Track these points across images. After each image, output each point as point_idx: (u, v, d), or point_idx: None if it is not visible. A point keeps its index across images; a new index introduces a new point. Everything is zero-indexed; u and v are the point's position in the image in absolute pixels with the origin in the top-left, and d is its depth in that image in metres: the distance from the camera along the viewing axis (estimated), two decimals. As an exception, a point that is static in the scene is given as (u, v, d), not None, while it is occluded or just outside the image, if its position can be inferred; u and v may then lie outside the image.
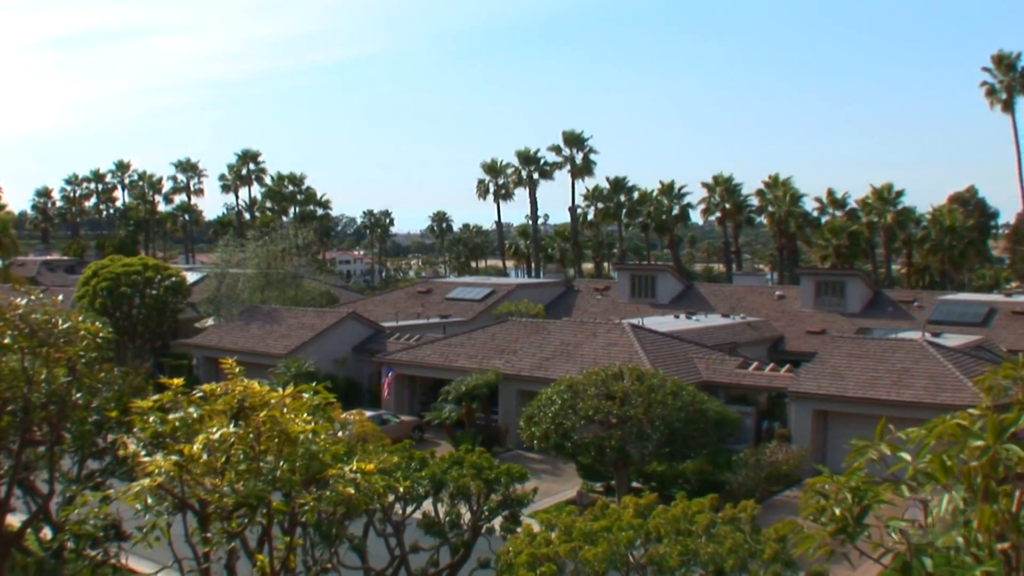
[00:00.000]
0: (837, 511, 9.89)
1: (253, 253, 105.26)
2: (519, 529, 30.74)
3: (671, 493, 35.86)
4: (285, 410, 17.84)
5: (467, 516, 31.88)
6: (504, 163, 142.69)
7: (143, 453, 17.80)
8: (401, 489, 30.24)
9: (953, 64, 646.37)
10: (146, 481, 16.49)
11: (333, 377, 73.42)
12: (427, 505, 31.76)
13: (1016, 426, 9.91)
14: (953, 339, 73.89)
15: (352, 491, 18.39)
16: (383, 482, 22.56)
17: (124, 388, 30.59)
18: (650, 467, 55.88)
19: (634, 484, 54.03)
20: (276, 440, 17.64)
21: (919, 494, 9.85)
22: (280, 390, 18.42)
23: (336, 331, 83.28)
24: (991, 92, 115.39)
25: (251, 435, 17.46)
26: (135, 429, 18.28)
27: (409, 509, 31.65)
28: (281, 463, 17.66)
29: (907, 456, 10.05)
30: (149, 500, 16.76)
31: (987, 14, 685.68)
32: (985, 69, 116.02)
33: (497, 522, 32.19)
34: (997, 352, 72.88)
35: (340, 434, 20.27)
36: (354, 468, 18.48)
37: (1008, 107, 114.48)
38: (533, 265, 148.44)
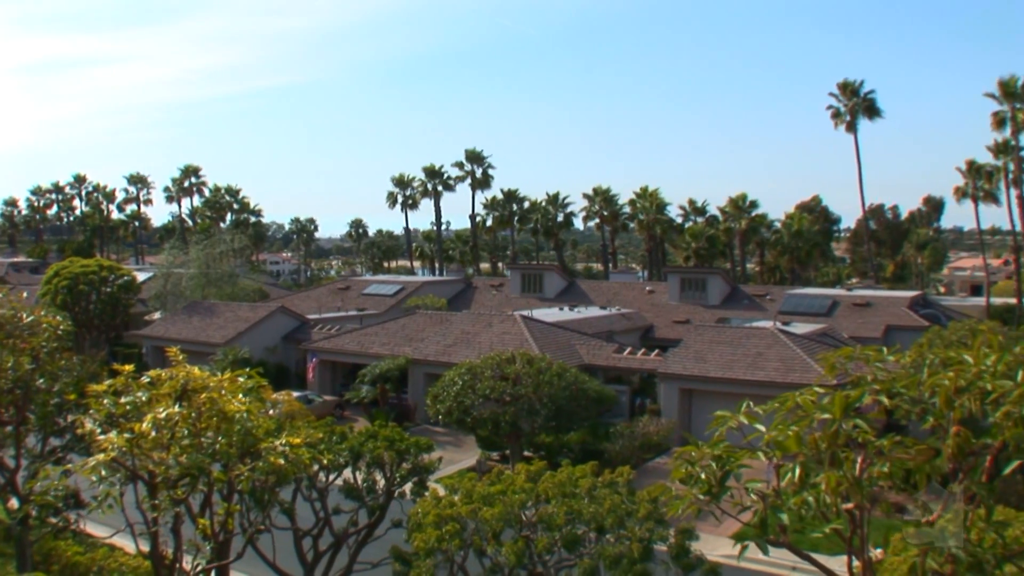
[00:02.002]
0: (703, 475, 10.00)
1: (195, 255, 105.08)
2: (427, 493, 30.70)
3: (558, 461, 35.84)
4: (223, 392, 17.79)
5: (381, 482, 31.77)
6: (412, 177, 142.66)
7: (99, 431, 17.66)
8: (324, 460, 30.16)
9: (803, 89, 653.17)
10: (101, 456, 16.39)
11: (265, 363, 73.27)
12: (347, 473, 31.61)
13: (860, 403, 10.09)
14: (801, 327, 74.64)
15: (282, 462, 18.39)
16: (309, 454, 22.47)
17: (82, 374, 30.24)
18: (539, 438, 56.03)
19: (526, 453, 54.09)
20: (215, 418, 17.59)
21: (773, 460, 9.98)
22: (219, 375, 18.38)
23: (267, 323, 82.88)
24: (836, 115, 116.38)
25: (193, 414, 17.40)
26: (91, 410, 18.11)
27: (331, 477, 31.48)
28: (220, 438, 17.62)
29: (762, 427, 10.17)
30: (104, 472, 16.66)
31: (834, 46, 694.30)
32: (832, 94, 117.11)
33: (408, 487, 32.09)
34: (839, 338, 73.85)
35: (271, 412, 20.22)
36: (283, 442, 18.47)
37: (851, 128, 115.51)
38: (437, 265, 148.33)
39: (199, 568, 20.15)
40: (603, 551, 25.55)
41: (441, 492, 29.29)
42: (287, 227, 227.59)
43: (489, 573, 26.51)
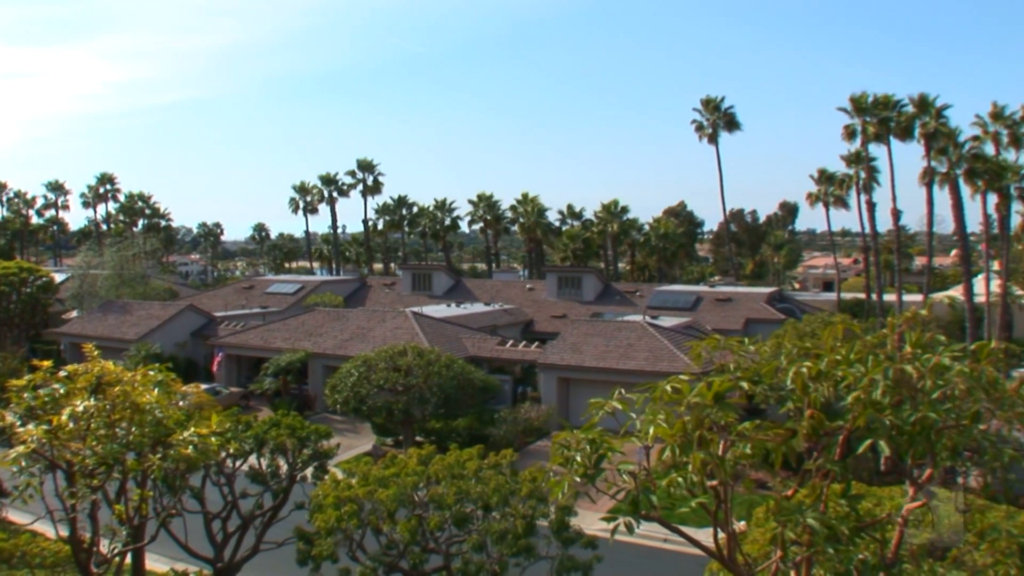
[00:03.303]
0: (579, 459, 10.05)
1: (109, 258, 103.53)
2: (326, 477, 30.59)
3: (447, 445, 35.87)
4: (136, 385, 17.60)
5: (285, 467, 31.61)
6: (311, 184, 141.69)
7: (19, 424, 17.34)
8: (231, 448, 29.94)
9: (671, 104, 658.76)
10: (21, 448, 16.10)
11: (175, 358, 72.91)
12: (252, 459, 31.40)
13: (727, 390, 10.22)
14: (668, 321, 75.16)
15: (191, 451, 18.23)
16: (217, 442, 22.25)
17: (2, 369, 29.81)
18: (430, 424, 56.06)
19: (417, 438, 54.02)
20: (128, 410, 17.37)
21: (644, 443, 10.05)
22: (132, 370, 18.18)
23: (177, 320, 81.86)
24: (700, 128, 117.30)
25: (108, 407, 17.16)
26: (12, 404, 17.78)
27: (238, 463, 31.26)
28: (133, 429, 17.40)
29: (633, 414, 10.25)
30: (24, 463, 16.37)
31: (697, 65, 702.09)
32: (696, 110, 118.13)
33: (309, 471, 31.98)
34: (703, 331, 74.53)
35: (181, 404, 19.99)
36: (192, 432, 18.30)
37: (713, 140, 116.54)
38: (335, 266, 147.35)
39: (116, 551, 19.84)
40: (490, 527, 25.67)
41: (340, 476, 29.32)
42: (195, 231, 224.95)
43: (385, 550, 26.53)
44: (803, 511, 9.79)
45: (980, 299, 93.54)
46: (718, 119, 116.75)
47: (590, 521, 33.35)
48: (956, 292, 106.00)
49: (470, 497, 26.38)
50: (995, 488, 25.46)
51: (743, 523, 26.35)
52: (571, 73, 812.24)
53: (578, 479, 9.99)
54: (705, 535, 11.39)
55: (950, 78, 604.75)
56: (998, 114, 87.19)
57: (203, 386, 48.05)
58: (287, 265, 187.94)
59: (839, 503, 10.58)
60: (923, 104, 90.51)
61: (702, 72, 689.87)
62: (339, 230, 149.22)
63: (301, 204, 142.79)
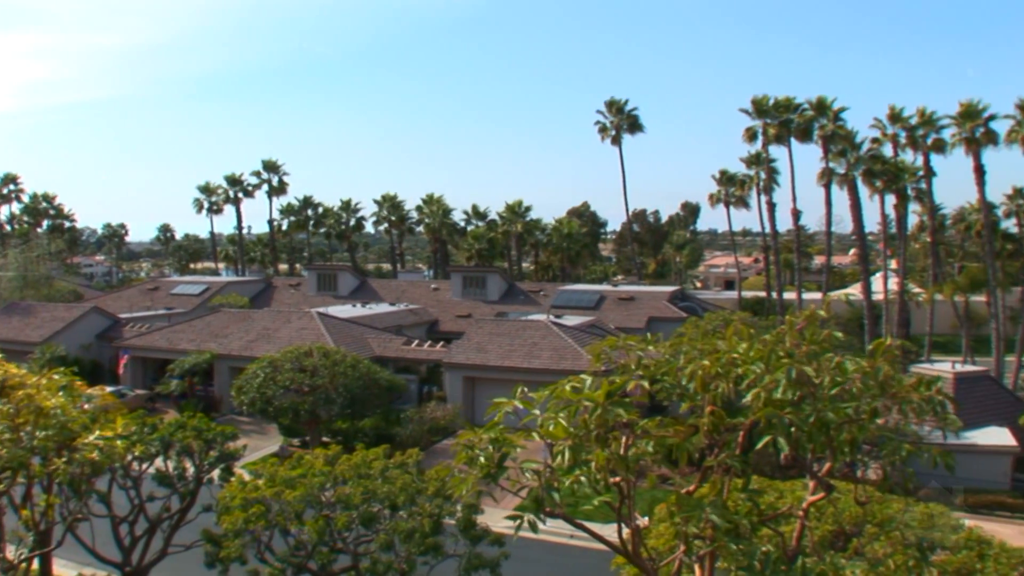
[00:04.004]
0: (482, 458, 10.12)
1: (13, 259, 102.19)
2: (233, 478, 30.37)
3: (353, 445, 35.81)
4: (40, 389, 17.41)
5: (191, 469, 31.32)
6: (216, 185, 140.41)
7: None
8: (137, 451, 29.61)
9: (576, 105, 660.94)
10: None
11: (80, 360, 71.93)
12: (159, 462, 31.09)
13: (625, 389, 10.35)
14: (572, 320, 75.61)
15: (97, 454, 18.06)
16: (123, 445, 22.04)
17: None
18: (336, 424, 55.95)
19: (324, 439, 53.81)
20: (33, 414, 17.18)
21: (547, 440, 10.14)
22: (37, 373, 17.97)
23: (82, 322, 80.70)
24: (603, 129, 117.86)
25: (12, 410, 16.97)
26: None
27: (144, 466, 30.91)
28: (38, 433, 17.21)
29: (537, 412, 10.35)
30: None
31: (601, 67, 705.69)
32: (599, 111, 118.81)
33: (216, 473, 31.73)
34: (606, 329, 75.10)
35: (86, 406, 19.81)
36: (98, 435, 18.14)
37: (616, 142, 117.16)
38: (240, 266, 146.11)
39: (23, 557, 19.61)
40: (397, 526, 25.67)
41: (247, 477, 29.05)
42: (100, 232, 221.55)
43: (293, 550, 26.41)
44: (705, 506, 9.95)
45: (878, 297, 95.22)
46: (622, 121, 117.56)
47: (497, 519, 33.40)
48: (855, 290, 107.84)
49: (377, 497, 26.36)
50: (893, 481, 25.95)
51: (647, 518, 26.61)
52: (477, 74, 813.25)
53: (482, 477, 10.06)
54: (610, 531, 11.54)
55: (853, 82, 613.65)
56: (896, 116, 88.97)
57: (108, 388, 47.42)
58: (192, 266, 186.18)
59: (740, 497, 10.77)
60: (821, 107, 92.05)
61: (606, 74, 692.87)
62: (244, 231, 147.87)
63: (206, 204, 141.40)
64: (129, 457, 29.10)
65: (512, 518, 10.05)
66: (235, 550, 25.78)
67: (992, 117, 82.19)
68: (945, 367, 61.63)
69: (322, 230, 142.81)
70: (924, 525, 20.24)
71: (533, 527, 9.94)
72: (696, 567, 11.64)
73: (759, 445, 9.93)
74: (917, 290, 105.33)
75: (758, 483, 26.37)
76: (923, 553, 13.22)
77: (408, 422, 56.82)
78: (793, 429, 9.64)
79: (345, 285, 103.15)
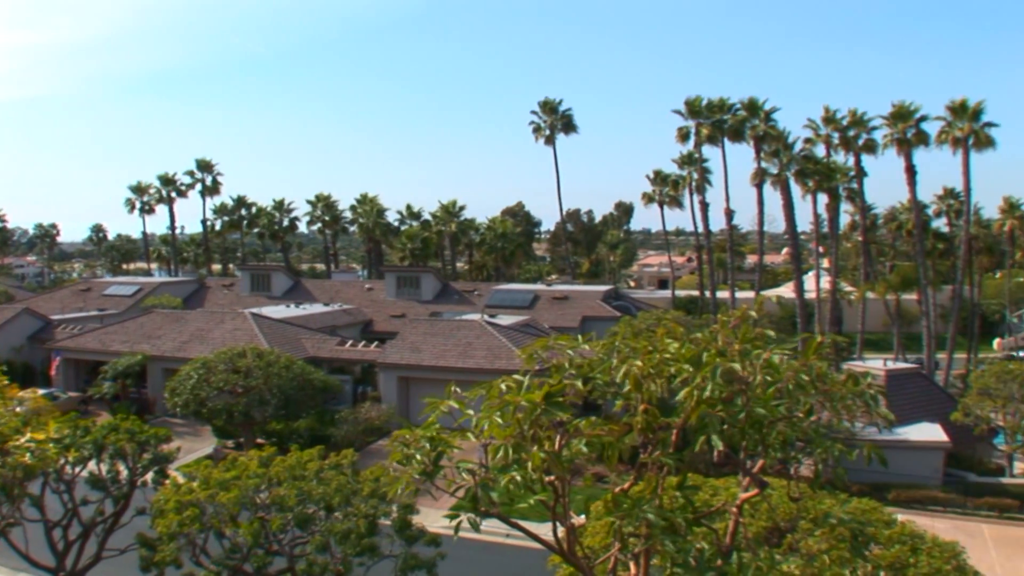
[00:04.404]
0: (418, 457, 10.16)
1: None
2: (167, 481, 30.20)
3: (288, 446, 35.69)
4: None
5: (125, 472, 31.09)
6: (148, 184, 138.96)
7: None
8: (70, 454, 29.36)
9: (510, 105, 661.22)
10: None
11: (11, 363, 71.27)
12: (92, 465, 30.82)
13: (562, 391, 10.43)
14: (506, 319, 75.76)
15: (29, 458, 17.94)
16: (55, 448, 21.88)
17: None
18: (271, 426, 55.75)
19: (259, 440, 53.62)
20: (-36, 419, 17.01)
21: (482, 440, 10.19)
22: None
23: (13, 324, 79.88)
24: (538, 129, 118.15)
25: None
26: None
27: (77, 469, 30.63)
28: (-31, 437, 17.04)
29: (471, 411, 10.40)
30: None
31: (536, 67, 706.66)
32: (534, 112, 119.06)
33: (149, 476, 31.53)
34: (540, 328, 75.33)
35: (17, 410, 19.66)
36: (30, 438, 18.02)
37: (551, 142, 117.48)
38: (173, 267, 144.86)
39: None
40: (332, 528, 25.65)
41: (181, 480, 28.87)
42: (31, 232, 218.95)
43: (229, 553, 26.31)
44: (640, 504, 10.04)
45: (811, 295, 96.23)
46: (556, 121, 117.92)
47: (433, 519, 33.53)
48: (787, 289, 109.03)
49: (312, 498, 26.32)
50: (826, 477, 26.30)
51: (583, 517, 26.77)
52: (411, 74, 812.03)
53: (417, 477, 10.10)
54: (546, 529, 11.61)
55: (791, 84, 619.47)
56: (830, 118, 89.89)
57: (40, 391, 47.22)
58: (125, 267, 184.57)
59: (675, 495, 10.88)
60: (753, 107, 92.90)
61: (541, 74, 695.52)
62: (177, 231, 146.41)
63: (138, 204, 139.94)
64: (62, 460, 28.86)
65: (450, 517, 10.11)
66: (170, 553, 25.66)
67: (923, 118, 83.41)
68: (877, 364, 62.44)
69: (256, 230, 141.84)
70: (857, 520, 20.52)
71: (474, 525, 9.99)
72: (631, 564, 11.72)
73: (697, 447, 10.03)
74: (849, 288, 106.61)
75: (692, 480, 26.56)
76: (857, 548, 13.42)
77: (343, 423, 56.73)
78: (726, 427, 9.75)
79: (279, 285, 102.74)
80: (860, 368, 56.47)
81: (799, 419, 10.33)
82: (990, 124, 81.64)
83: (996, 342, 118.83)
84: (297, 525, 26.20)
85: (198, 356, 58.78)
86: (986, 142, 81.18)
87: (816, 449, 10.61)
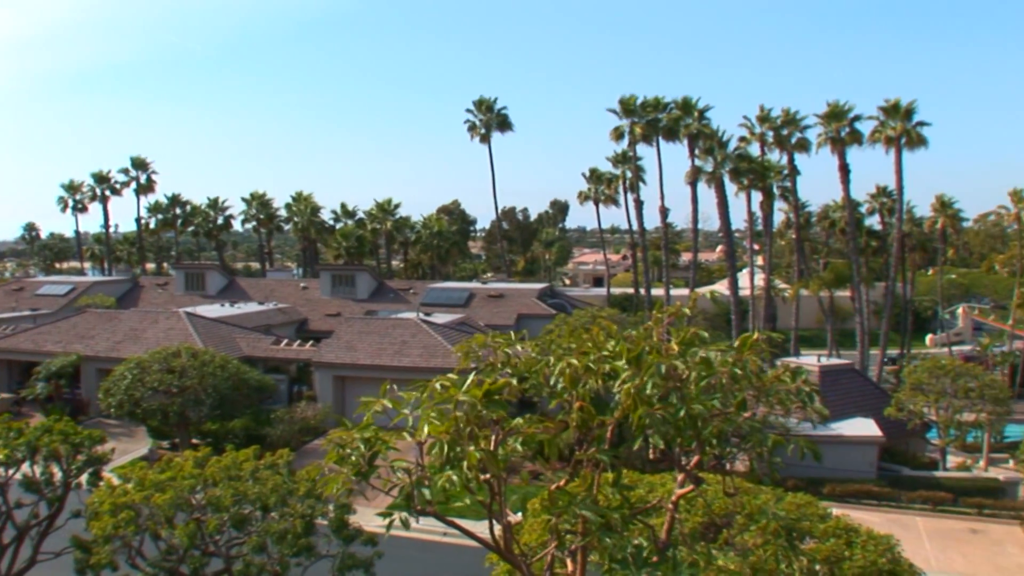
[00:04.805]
0: (353, 457, 10.15)
1: None
2: (102, 483, 29.93)
3: (223, 447, 35.46)
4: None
5: (59, 475, 30.79)
6: (81, 182, 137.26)
7: None
8: (2, 456, 29.04)
9: (446, 103, 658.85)
10: None
11: (-62, 366, 69.90)
12: (25, 467, 30.50)
13: (499, 390, 10.46)
14: (441, 318, 75.71)
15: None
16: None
17: None
18: (206, 426, 55.47)
19: (194, 440, 53.27)
20: None
21: (417, 440, 10.20)
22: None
23: (-60, 326, 78.45)
24: (473, 128, 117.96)
25: None
26: None
27: (10, 472, 30.32)
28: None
29: (407, 410, 10.41)
30: None
31: (472, 65, 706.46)
32: (469, 110, 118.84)
33: (84, 478, 31.24)
34: (476, 327, 75.32)
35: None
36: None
37: (486, 140, 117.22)
38: (107, 266, 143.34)
39: None
40: (269, 528, 25.56)
41: (116, 481, 28.62)
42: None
43: (165, 555, 26.15)
44: (576, 501, 10.10)
45: (745, 293, 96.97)
46: (491, 119, 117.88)
47: (370, 518, 33.45)
48: (722, 286, 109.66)
49: (248, 498, 26.19)
50: (761, 472, 26.54)
51: (519, 514, 26.88)
52: (346, 72, 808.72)
53: (353, 477, 10.11)
54: (483, 527, 11.65)
55: (728, 84, 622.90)
56: (764, 117, 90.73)
57: (-29, 393, 46.41)
58: (58, 266, 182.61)
59: (611, 492, 10.95)
60: (687, 106, 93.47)
61: (477, 73, 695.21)
62: (111, 229, 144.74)
63: (71, 203, 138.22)
64: (-7, 463, 28.56)
65: (384, 515, 10.11)
66: (105, 556, 25.44)
67: (857, 118, 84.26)
68: (811, 360, 63.09)
69: (190, 229, 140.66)
70: (793, 515, 20.75)
71: (405, 524, 10.00)
72: (568, 562, 11.80)
73: (636, 446, 10.09)
74: (783, 286, 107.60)
75: (628, 477, 26.82)
76: (792, 542, 13.55)
77: (278, 422, 56.48)
78: (662, 424, 9.81)
79: (213, 284, 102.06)
80: (794, 364, 57.06)
81: (734, 414, 10.45)
82: (922, 123, 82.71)
83: (929, 338, 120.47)
84: (233, 526, 26.06)
85: (132, 356, 58.23)
86: (918, 141, 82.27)
87: (750, 443, 10.73)
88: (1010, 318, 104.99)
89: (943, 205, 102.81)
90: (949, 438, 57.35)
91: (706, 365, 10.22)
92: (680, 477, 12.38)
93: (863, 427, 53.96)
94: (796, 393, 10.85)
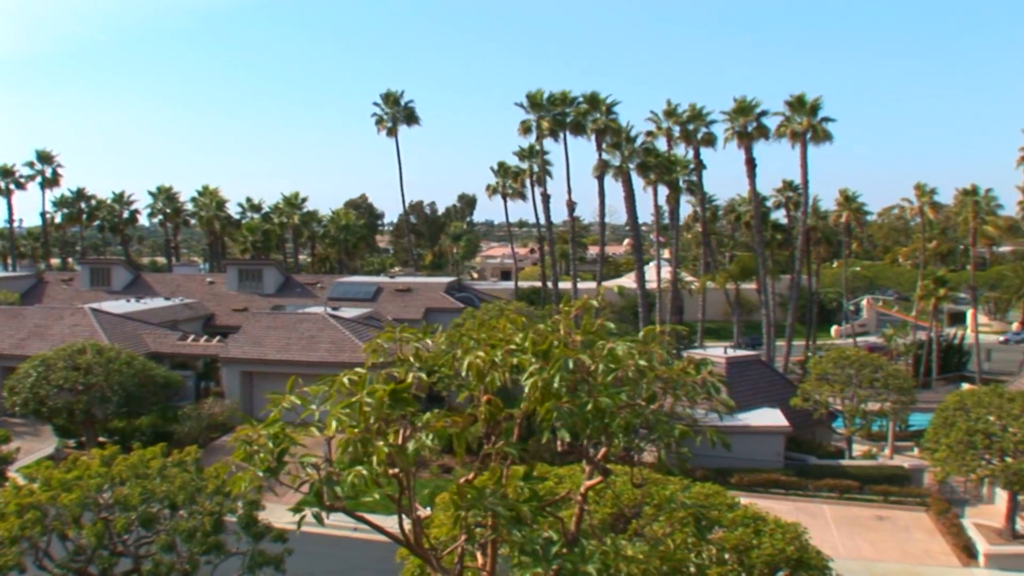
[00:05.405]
0: (261, 453, 10.13)
1: None
2: (7, 483, 29.53)
3: (130, 444, 35.24)
4: None
5: (-38, 475, 30.34)
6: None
7: None
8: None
9: (353, 97, 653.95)
10: None
11: None
12: (-74, 468, 30.00)
13: (407, 384, 10.50)
14: (349, 312, 75.54)
15: None
16: None
17: None
18: (113, 424, 54.97)
19: (101, 439, 52.70)
20: None
21: (326, 435, 10.19)
22: None
23: None
24: (380, 121, 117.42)
25: None
26: None
27: (-90, 472, 29.82)
28: None
29: (315, 406, 10.41)
30: None
31: (379, 59, 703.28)
32: (376, 103, 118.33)
33: (-12, 478, 30.82)
34: (384, 321, 75.18)
35: None
36: None
37: (393, 133, 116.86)
38: (10, 261, 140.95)
39: None
40: (178, 526, 25.40)
41: (21, 481, 28.27)
42: None
43: (73, 556, 25.88)
44: (485, 495, 10.17)
45: (652, 286, 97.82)
46: (398, 113, 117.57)
47: (280, 514, 33.36)
48: (629, 279, 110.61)
49: (156, 496, 26.00)
50: (669, 462, 26.89)
51: (429, 509, 26.95)
52: (254, 64, 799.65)
53: (261, 474, 10.08)
54: (392, 522, 11.67)
55: (634, 78, 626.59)
56: (671, 112, 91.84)
57: None
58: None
59: (520, 485, 11.03)
60: (595, 101, 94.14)
61: (384, 66, 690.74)
62: (16, 223, 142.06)
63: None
64: None
65: (294, 511, 10.10)
66: (12, 558, 25.09)
67: (764, 113, 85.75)
68: (717, 352, 63.84)
69: (96, 223, 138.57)
70: (701, 504, 21.07)
71: (319, 520, 10.01)
72: (478, 555, 11.87)
73: (544, 439, 10.18)
74: (690, 279, 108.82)
75: (537, 470, 26.93)
76: (700, 531, 13.79)
77: (186, 419, 56.05)
78: (570, 417, 9.90)
79: (119, 280, 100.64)
80: (700, 356, 57.68)
81: (641, 406, 10.58)
82: (827, 119, 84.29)
83: (834, 329, 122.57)
84: (142, 525, 25.86)
85: (37, 353, 57.37)
86: (823, 136, 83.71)
87: (658, 434, 10.87)
88: (913, 309, 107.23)
89: (847, 199, 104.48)
90: (855, 427, 58.43)
91: (613, 358, 10.35)
92: (588, 469, 12.51)
93: (770, 417, 54.74)
94: (702, 384, 11.02)
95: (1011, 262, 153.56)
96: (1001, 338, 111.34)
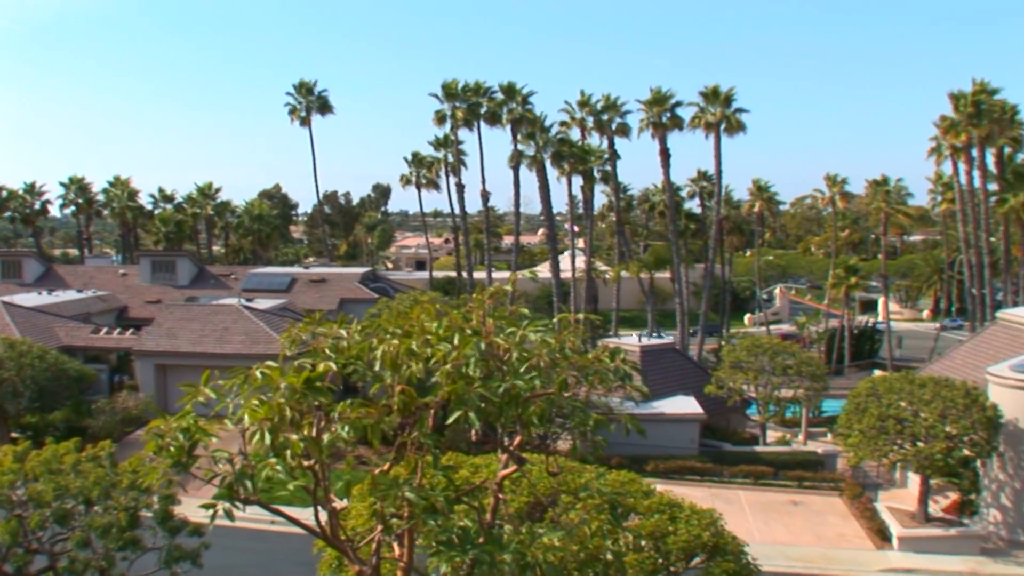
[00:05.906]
0: (172, 447, 10.07)
1: None
2: (-84, 481, 29.05)
3: (43, 439, 34.76)
4: None
5: None
6: None
7: None
8: None
9: (268, 85, 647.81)
10: None
11: None
12: None
13: (321, 376, 10.51)
14: (263, 303, 75.02)
15: None
16: None
17: None
18: (25, 419, 54.31)
19: (13, 435, 51.95)
20: None
21: (239, 428, 10.15)
22: None
23: None
24: (293, 111, 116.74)
25: None
26: None
27: None
28: None
29: (228, 399, 10.37)
30: None
31: (292, 48, 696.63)
32: (289, 93, 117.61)
33: None
34: (298, 312, 74.87)
35: None
36: None
37: (307, 123, 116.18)
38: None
39: None
40: (93, 522, 25.12)
41: (-70, 480, 27.80)
42: None
43: (-16, 553, 25.50)
44: (399, 485, 10.21)
45: (566, 275, 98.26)
46: (311, 103, 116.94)
47: (195, 509, 33.12)
48: (544, 269, 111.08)
49: (70, 492, 25.68)
50: (584, 450, 27.02)
51: (345, 500, 26.91)
52: (165, 53, 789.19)
53: (172, 468, 10.03)
54: (308, 514, 11.68)
55: (553, 69, 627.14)
56: (585, 102, 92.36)
57: None
58: None
59: (435, 474, 11.09)
60: (510, 91, 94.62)
61: (296, 56, 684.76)
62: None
63: None
64: None
65: (207, 507, 10.04)
66: (-79, 556, 24.76)
67: (679, 104, 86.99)
68: (632, 340, 64.33)
69: (7, 214, 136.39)
70: (616, 491, 21.27)
71: (229, 515, 9.92)
72: (395, 545, 11.93)
73: (450, 420, 10.11)
74: (604, 268, 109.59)
75: (453, 459, 27.05)
76: (616, 518, 13.91)
77: (100, 413, 55.37)
78: (484, 404, 9.96)
79: (30, 272, 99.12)
80: (614, 344, 58.13)
81: (556, 394, 10.68)
82: (741, 110, 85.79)
83: (747, 317, 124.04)
84: (56, 521, 25.54)
85: (-54, 348, 56.41)
86: (737, 127, 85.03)
87: (573, 422, 10.99)
88: (825, 297, 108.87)
89: (760, 189, 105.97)
90: (768, 414, 59.16)
91: (526, 344, 10.44)
92: (503, 458, 12.60)
93: (684, 405, 55.30)
94: (615, 372, 11.15)
95: (921, 251, 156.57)
96: (937, 324, 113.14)
